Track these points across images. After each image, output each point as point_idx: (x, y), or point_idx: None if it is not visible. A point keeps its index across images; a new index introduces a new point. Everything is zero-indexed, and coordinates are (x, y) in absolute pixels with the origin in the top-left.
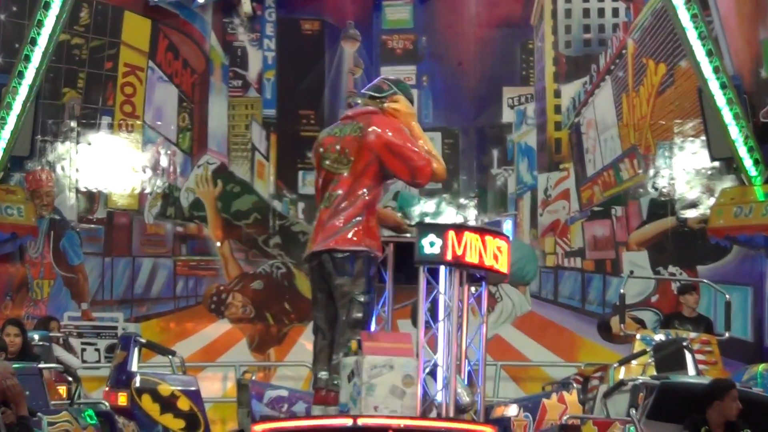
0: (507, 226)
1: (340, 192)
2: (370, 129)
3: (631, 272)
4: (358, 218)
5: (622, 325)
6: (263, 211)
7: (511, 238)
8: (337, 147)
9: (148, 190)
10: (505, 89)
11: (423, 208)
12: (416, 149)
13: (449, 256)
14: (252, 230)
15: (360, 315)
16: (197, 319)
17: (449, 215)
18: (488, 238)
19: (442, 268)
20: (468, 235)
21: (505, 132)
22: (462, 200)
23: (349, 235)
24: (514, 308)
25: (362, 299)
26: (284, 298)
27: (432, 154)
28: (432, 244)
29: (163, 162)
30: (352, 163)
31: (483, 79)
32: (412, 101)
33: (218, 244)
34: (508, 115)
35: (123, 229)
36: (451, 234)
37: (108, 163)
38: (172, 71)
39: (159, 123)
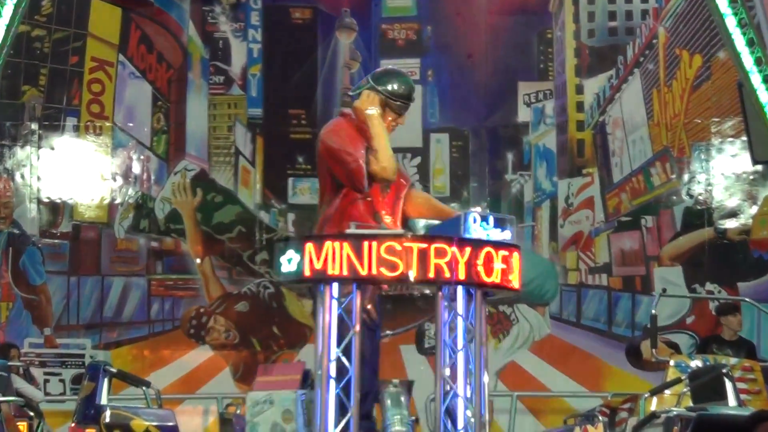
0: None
1: (318, 196)
2: (320, 135)
3: (664, 290)
4: (326, 222)
5: (653, 350)
6: (248, 223)
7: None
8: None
9: (118, 201)
10: (521, 84)
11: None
12: (350, 150)
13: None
14: (236, 245)
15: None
16: (174, 345)
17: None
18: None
19: (459, 289)
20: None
21: (520, 133)
22: (473, 210)
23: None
24: (532, 332)
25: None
26: (272, 322)
27: (375, 152)
28: (290, 260)
29: (136, 168)
30: (318, 171)
31: (496, 73)
32: (399, 93)
33: (198, 260)
34: (524, 114)
35: (90, 244)
36: (309, 246)
37: (73, 170)
38: (146, 66)
39: (131, 125)
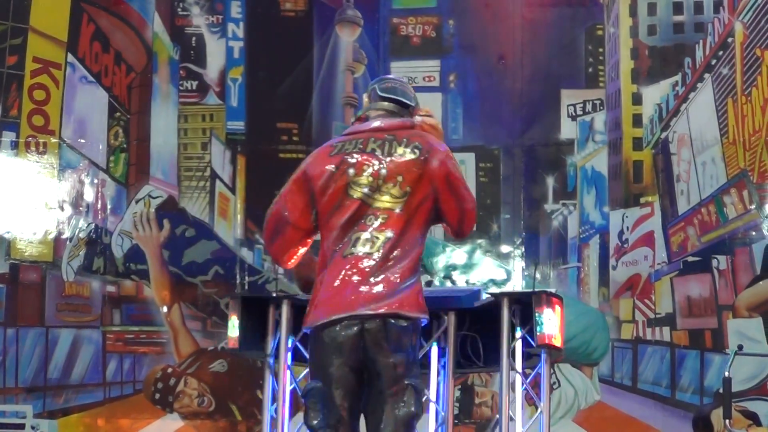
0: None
1: (389, 235)
2: (433, 152)
3: (740, 347)
4: (417, 274)
5: (727, 420)
6: (227, 263)
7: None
8: (383, 171)
9: (66, 235)
10: (565, 93)
11: (449, 258)
12: (467, 186)
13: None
14: (212, 290)
15: (417, 409)
16: (136, 413)
17: (487, 269)
18: None
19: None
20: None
21: (564, 152)
22: (504, 247)
23: (414, 298)
24: (577, 398)
25: (419, 386)
26: (256, 384)
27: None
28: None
29: (88, 195)
30: (407, 197)
31: (533, 80)
32: None
33: (164, 309)
34: (568, 130)
35: (32, 288)
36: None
37: (11, 197)
38: (101, 68)
39: (82, 141)
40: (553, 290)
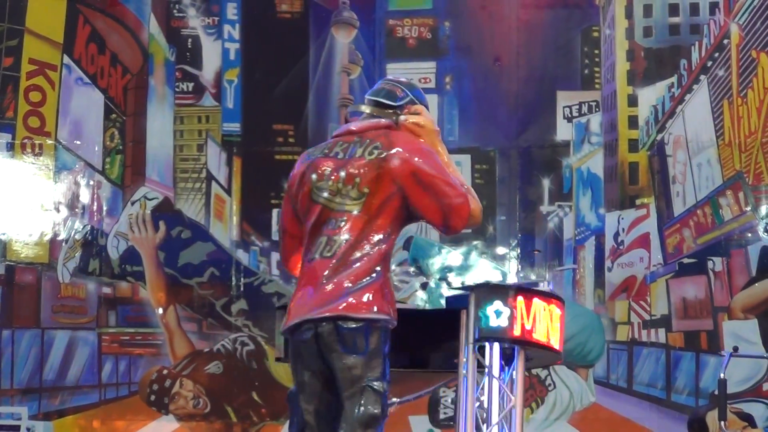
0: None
1: (346, 237)
2: (393, 151)
3: (735, 349)
4: (374, 275)
5: (722, 422)
6: (223, 264)
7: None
8: (342, 174)
9: (62, 237)
10: (560, 95)
11: (445, 260)
12: (451, 181)
13: (517, 331)
14: (207, 292)
15: (377, 410)
16: (131, 415)
17: (483, 270)
18: (537, 301)
19: (496, 347)
20: (536, 302)
21: (559, 154)
22: (500, 249)
23: (365, 298)
24: (572, 399)
25: (379, 387)
26: (252, 386)
27: (467, 189)
28: (498, 313)
29: (84, 197)
30: (366, 198)
31: (529, 81)
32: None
33: (160, 311)
34: (564, 131)
35: (28, 289)
36: (520, 300)
37: (7, 199)
38: (97, 70)
39: (78, 143)
40: (547, 289)
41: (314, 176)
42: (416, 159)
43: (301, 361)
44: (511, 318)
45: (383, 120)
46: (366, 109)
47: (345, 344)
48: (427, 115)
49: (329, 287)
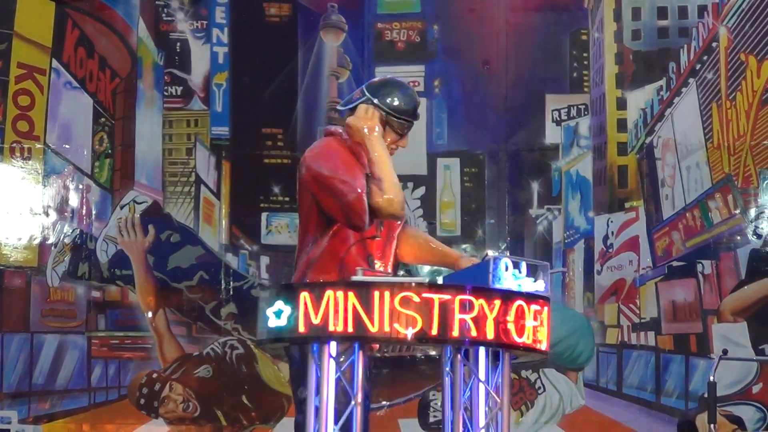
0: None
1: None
2: (302, 161)
3: (725, 352)
4: (302, 281)
5: (711, 425)
6: (212, 268)
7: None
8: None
9: (51, 240)
10: (549, 98)
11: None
12: (346, 179)
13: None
14: (197, 295)
15: (299, 417)
16: (121, 418)
17: None
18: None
19: (482, 350)
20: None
21: (548, 157)
22: (489, 252)
23: None
24: (562, 402)
25: (298, 395)
26: (241, 390)
27: (378, 181)
28: (279, 313)
29: (73, 201)
30: (299, 209)
31: (518, 84)
32: (402, 109)
33: (149, 314)
34: (552, 135)
35: (17, 294)
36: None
37: None
38: (85, 74)
39: (67, 146)
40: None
41: None
42: (314, 164)
43: None
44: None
45: (329, 127)
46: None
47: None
48: (361, 113)
49: None
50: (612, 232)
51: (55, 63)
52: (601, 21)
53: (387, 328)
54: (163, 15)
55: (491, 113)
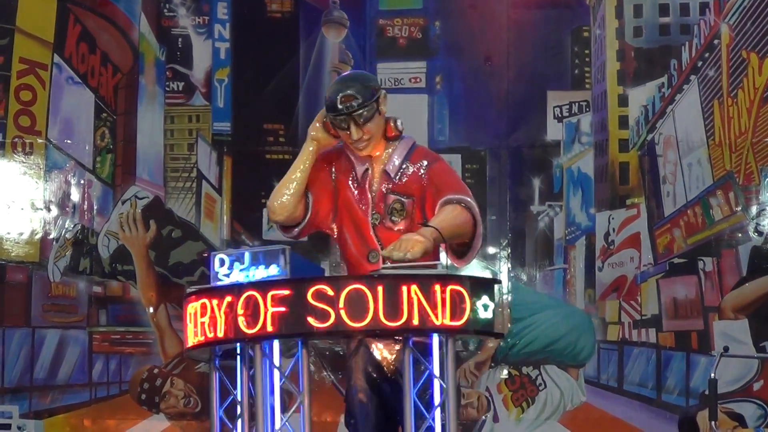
0: None
1: None
2: None
3: (726, 349)
4: None
5: (712, 422)
6: None
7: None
8: None
9: (53, 235)
10: (551, 94)
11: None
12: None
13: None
14: None
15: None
16: (122, 413)
17: (473, 270)
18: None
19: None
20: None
21: (550, 154)
22: (490, 249)
23: None
24: (563, 399)
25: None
26: None
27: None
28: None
29: (75, 196)
30: None
31: (519, 81)
32: (328, 104)
33: (151, 310)
34: (554, 131)
35: (18, 288)
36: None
37: None
38: (87, 69)
39: (68, 141)
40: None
41: None
42: None
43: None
44: None
45: None
46: None
47: None
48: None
49: None
50: (613, 229)
51: (56, 58)
52: (603, 18)
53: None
54: (165, 10)
55: (493, 110)
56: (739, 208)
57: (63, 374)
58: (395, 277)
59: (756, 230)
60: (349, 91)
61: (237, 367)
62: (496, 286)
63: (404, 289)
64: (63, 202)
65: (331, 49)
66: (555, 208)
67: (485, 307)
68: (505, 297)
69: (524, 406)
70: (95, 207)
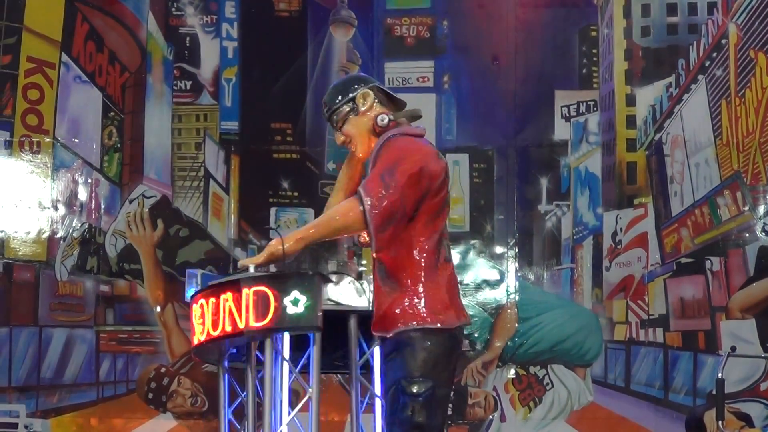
0: None
1: None
2: None
3: (733, 349)
4: None
5: (720, 422)
6: (221, 263)
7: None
8: None
9: (60, 234)
10: (558, 94)
11: None
12: None
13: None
14: None
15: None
16: (129, 413)
17: (480, 270)
18: None
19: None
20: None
21: (557, 153)
22: (498, 248)
23: None
24: (570, 399)
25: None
26: None
27: None
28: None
29: (82, 195)
30: None
31: (527, 80)
32: None
33: (158, 309)
34: (562, 131)
35: (25, 287)
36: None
37: (4, 197)
38: (95, 68)
39: (76, 140)
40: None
41: (449, 179)
42: None
43: (454, 360)
44: None
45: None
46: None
47: None
48: None
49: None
50: (621, 229)
51: (64, 57)
52: (611, 17)
53: None
54: (173, 9)
55: (500, 109)
56: (746, 208)
57: (70, 373)
58: (216, 287)
59: (763, 230)
60: (323, 100)
61: (246, 369)
62: (314, 279)
63: (222, 297)
64: (70, 201)
65: (339, 48)
66: (562, 208)
67: (295, 302)
68: (512, 296)
69: (531, 406)
70: (102, 206)
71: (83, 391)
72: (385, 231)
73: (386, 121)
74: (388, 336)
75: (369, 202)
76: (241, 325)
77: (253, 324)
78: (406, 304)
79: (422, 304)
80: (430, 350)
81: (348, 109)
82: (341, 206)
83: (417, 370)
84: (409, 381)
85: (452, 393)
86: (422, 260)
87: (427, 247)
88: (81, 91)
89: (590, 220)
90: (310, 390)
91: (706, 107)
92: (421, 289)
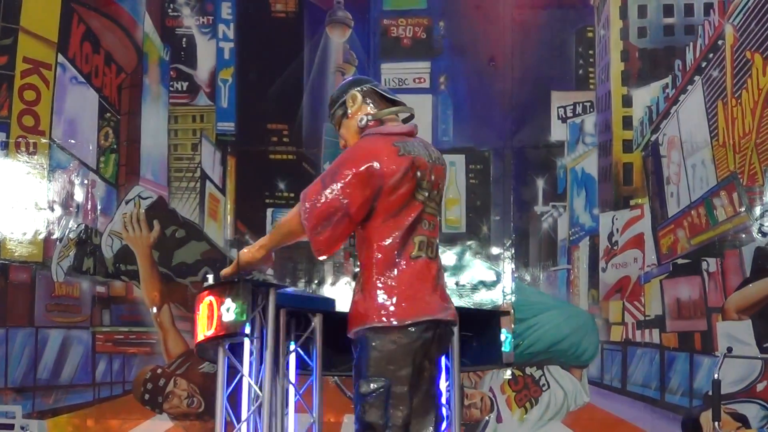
0: None
1: (437, 242)
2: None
3: (729, 349)
4: None
5: (716, 423)
6: (217, 264)
7: None
8: (432, 178)
9: (56, 235)
10: (555, 95)
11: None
12: None
13: None
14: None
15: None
16: (125, 413)
17: (477, 271)
18: None
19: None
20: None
21: (554, 154)
22: (494, 249)
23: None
24: (566, 399)
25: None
26: None
27: None
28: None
29: (78, 196)
30: (441, 206)
31: (524, 81)
32: None
33: (154, 310)
34: (558, 132)
35: (22, 288)
36: None
37: (1, 197)
38: (91, 69)
39: (72, 141)
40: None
41: (419, 174)
42: None
43: (413, 357)
44: None
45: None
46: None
47: (448, 348)
48: None
49: (443, 290)
50: (617, 230)
51: (60, 58)
52: (607, 18)
53: None
54: (169, 10)
55: (497, 110)
56: (742, 209)
57: (66, 374)
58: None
59: (760, 231)
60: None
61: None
62: (244, 286)
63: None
64: (66, 202)
65: (335, 49)
66: (559, 209)
67: (227, 309)
68: (508, 297)
69: (528, 407)
70: (99, 207)
71: (79, 392)
72: (320, 234)
73: (364, 121)
74: (351, 337)
75: (306, 206)
76: (200, 336)
77: (206, 333)
78: (360, 304)
79: (372, 303)
80: (381, 349)
81: (342, 112)
82: (290, 212)
83: (368, 369)
84: (361, 381)
85: (430, 388)
86: (377, 259)
87: (384, 244)
88: (77, 92)
89: (587, 221)
90: (261, 395)
91: (702, 108)
92: (372, 288)
